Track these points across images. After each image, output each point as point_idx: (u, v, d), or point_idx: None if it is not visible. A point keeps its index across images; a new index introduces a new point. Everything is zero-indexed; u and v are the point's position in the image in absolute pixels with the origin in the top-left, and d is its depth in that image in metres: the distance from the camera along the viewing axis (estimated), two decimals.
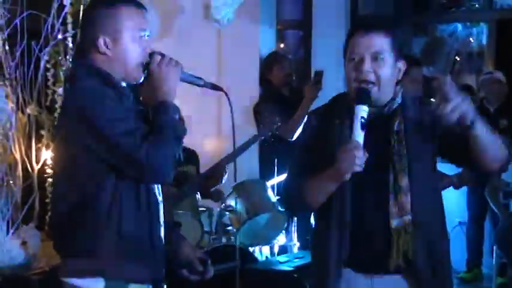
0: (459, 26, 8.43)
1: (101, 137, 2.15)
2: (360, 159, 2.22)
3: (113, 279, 2.23)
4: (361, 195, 2.37)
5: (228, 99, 2.46)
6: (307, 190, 2.40)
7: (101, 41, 2.23)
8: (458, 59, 8.34)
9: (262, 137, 3.90)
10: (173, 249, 2.50)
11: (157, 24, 5.50)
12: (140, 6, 2.31)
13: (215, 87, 2.44)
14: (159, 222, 2.34)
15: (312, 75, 5.31)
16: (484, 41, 7.56)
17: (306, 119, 2.62)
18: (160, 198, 2.38)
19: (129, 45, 2.25)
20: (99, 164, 2.20)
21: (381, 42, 2.34)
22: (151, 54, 2.27)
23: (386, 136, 2.39)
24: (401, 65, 2.41)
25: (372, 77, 2.33)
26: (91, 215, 2.22)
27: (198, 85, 2.43)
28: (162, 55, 2.29)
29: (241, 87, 5.69)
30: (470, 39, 8.58)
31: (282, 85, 5.42)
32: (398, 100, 2.43)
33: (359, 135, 2.25)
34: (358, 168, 2.23)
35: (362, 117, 2.25)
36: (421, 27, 7.77)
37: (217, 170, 3.43)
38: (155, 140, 2.16)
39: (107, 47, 2.24)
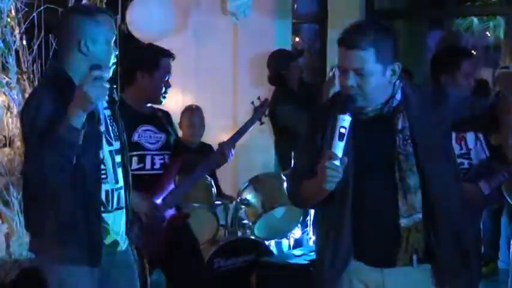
0: (475, 20, 8.39)
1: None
2: (334, 170, 2.21)
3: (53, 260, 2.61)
4: (368, 195, 2.35)
5: None
6: (303, 190, 2.43)
7: (82, 42, 2.61)
8: (474, 53, 8.30)
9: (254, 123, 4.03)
10: None
11: (174, 18, 5.51)
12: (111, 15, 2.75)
13: None
14: (99, 209, 2.61)
15: (328, 69, 5.32)
16: (501, 35, 7.52)
17: (308, 116, 2.61)
18: (118, 185, 2.70)
19: (104, 47, 2.63)
20: None
21: (362, 58, 2.30)
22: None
23: (390, 135, 2.37)
24: (396, 66, 2.36)
25: (355, 91, 2.33)
26: (39, 203, 2.62)
27: None
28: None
29: (256, 81, 5.70)
30: (487, 33, 8.54)
31: (295, 82, 5.41)
32: (398, 97, 2.40)
33: (336, 146, 2.23)
34: (334, 179, 2.22)
35: (342, 127, 2.23)
36: (437, 21, 7.74)
37: (220, 151, 3.65)
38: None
39: (87, 48, 2.61)
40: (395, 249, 2.36)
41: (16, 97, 4.44)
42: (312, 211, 4.84)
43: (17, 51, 4.48)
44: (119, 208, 2.72)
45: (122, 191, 2.73)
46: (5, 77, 4.44)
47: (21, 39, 4.52)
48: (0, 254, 4.26)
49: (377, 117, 2.38)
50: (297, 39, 7.31)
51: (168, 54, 3.48)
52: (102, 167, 2.63)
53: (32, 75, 4.54)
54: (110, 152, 2.68)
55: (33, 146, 2.52)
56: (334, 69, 5.17)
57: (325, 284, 2.43)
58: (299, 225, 4.86)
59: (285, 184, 4.64)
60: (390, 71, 2.35)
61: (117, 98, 2.78)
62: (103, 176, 2.63)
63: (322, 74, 6.09)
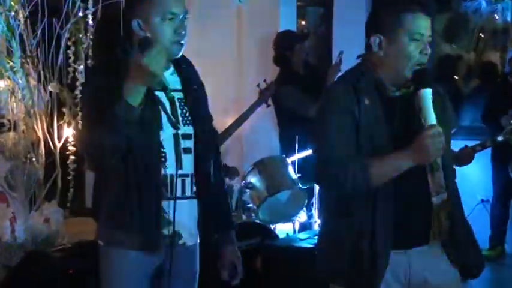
0: (483, 2, 8.31)
1: None
2: (442, 143, 2.24)
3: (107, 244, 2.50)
4: (403, 176, 2.31)
5: None
6: (373, 171, 2.29)
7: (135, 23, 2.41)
8: (482, 36, 8.23)
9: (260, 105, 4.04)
10: (216, 248, 2.67)
11: None
12: None
13: None
14: (154, 192, 2.42)
15: (335, 53, 5.30)
16: (509, 18, 7.45)
17: (334, 93, 2.45)
18: (182, 172, 2.47)
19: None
20: None
21: (430, 26, 2.34)
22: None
23: (415, 114, 2.33)
24: None
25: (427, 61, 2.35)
26: (98, 190, 2.55)
27: None
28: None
29: (261, 64, 5.68)
30: (495, 15, 8.46)
31: (300, 64, 5.39)
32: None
33: (433, 119, 2.26)
34: (442, 152, 2.25)
35: (429, 100, 2.26)
36: (444, 3, 7.67)
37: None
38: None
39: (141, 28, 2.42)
40: (426, 228, 2.36)
41: (20, 81, 4.43)
42: (317, 195, 4.85)
43: (20, 35, 4.47)
44: (185, 197, 2.50)
45: (189, 179, 2.51)
46: (9, 61, 4.43)
47: (25, 23, 4.50)
48: (5, 237, 4.27)
49: (402, 96, 2.36)
50: (303, 22, 7.26)
51: None
52: (162, 150, 2.43)
53: (36, 60, 4.53)
54: (175, 135, 2.46)
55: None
56: (341, 54, 5.17)
57: (379, 256, 2.35)
58: (304, 208, 4.85)
59: (290, 167, 4.63)
60: None
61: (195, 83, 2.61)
62: (162, 160, 2.43)
63: (327, 58, 6.06)
